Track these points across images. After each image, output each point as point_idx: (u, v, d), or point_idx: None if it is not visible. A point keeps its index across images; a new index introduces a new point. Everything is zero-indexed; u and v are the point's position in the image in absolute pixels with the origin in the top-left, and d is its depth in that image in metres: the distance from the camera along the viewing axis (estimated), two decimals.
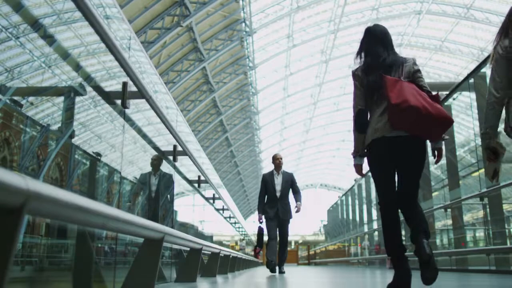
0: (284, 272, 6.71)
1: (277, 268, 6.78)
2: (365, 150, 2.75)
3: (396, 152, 2.66)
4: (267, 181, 6.82)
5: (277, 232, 6.77)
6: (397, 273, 2.60)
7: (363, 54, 2.87)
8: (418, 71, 2.77)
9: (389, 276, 5.44)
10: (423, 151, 2.73)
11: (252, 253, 29.78)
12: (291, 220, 6.89)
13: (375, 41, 2.85)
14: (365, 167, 2.88)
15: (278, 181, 6.79)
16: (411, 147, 2.66)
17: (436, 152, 2.75)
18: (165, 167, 4.19)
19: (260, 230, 7.29)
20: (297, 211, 6.81)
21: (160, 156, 3.99)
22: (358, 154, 2.79)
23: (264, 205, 6.80)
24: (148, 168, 3.98)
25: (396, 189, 2.73)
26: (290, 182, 6.82)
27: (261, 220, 6.87)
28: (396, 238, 2.69)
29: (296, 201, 6.84)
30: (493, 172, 2.72)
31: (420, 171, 2.81)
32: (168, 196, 4.38)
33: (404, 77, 2.69)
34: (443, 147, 2.79)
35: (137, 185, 3.64)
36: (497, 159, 2.63)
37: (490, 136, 2.59)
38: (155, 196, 3.94)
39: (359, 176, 2.86)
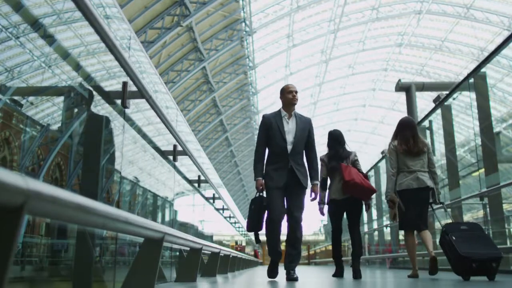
0: (296, 279, 3.97)
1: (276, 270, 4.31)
2: (327, 202, 4.86)
3: (345, 206, 4.78)
4: (270, 126, 4.12)
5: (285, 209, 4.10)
6: (337, 268, 4.99)
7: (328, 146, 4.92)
8: (357, 160, 4.85)
9: (389, 275, 5.47)
10: (360, 206, 4.84)
11: (252, 253, 29.78)
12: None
13: (335, 142, 4.91)
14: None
15: (290, 127, 4.13)
16: (354, 204, 4.77)
17: (366, 205, 4.86)
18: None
19: (259, 201, 4.13)
20: (313, 199, 4.25)
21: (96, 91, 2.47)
22: (322, 202, 4.82)
23: (264, 164, 4.17)
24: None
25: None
26: (307, 133, 4.19)
27: (261, 187, 4.09)
28: (339, 250, 5.05)
29: (312, 178, 4.16)
30: (393, 215, 4.78)
31: (359, 217, 4.92)
32: (111, 155, 2.73)
33: (350, 163, 4.75)
34: (370, 202, 4.97)
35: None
36: (394, 206, 4.67)
37: (390, 193, 4.66)
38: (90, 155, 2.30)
39: None
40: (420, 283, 3.75)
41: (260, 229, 4.17)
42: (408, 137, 4.59)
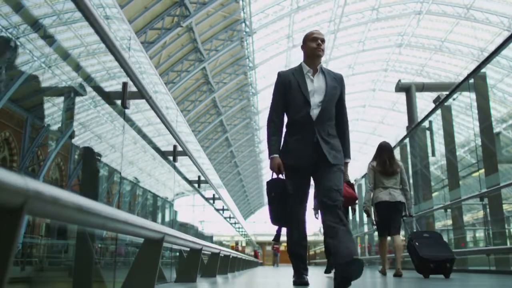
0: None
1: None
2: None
3: None
4: (289, 86, 3.13)
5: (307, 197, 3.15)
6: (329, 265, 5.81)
7: None
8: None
9: (390, 276, 5.46)
10: (346, 211, 5.72)
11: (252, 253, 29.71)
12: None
13: None
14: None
15: (315, 85, 3.10)
16: None
17: (352, 209, 6.07)
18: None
19: (281, 186, 3.03)
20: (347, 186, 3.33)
21: None
22: (315, 208, 5.52)
23: (280, 137, 3.15)
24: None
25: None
26: (339, 93, 3.17)
27: (278, 167, 3.03)
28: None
29: (346, 155, 3.13)
30: (372, 222, 5.80)
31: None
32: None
33: None
34: (355, 206, 6.02)
35: None
36: (369, 217, 5.65)
37: (366, 205, 5.55)
38: None
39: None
40: (388, 280, 4.42)
41: (288, 222, 3.09)
42: (384, 160, 5.45)
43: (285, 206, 3.03)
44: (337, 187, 2.94)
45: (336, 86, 3.14)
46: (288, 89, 3.12)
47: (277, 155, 3.08)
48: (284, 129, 3.18)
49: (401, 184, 5.43)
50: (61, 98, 2.12)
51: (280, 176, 3.06)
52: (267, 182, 3.13)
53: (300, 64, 3.26)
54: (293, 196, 3.03)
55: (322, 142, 2.99)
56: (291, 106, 3.11)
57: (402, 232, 6.13)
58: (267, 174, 44.32)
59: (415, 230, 5.75)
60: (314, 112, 3.02)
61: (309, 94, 3.06)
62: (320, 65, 3.19)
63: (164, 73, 20.13)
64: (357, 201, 5.79)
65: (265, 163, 42.04)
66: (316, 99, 3.05)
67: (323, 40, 3.18)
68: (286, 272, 8.18)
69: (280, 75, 3.23)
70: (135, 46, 2.96)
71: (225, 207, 9.73)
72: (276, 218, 3.07)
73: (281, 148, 3.13)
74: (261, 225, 47.68)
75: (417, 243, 5.01)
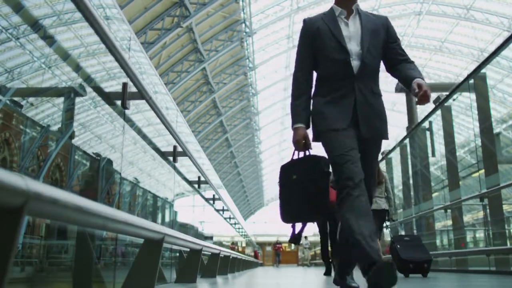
0: None
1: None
2: None
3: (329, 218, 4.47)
4: (318, 33, 2.41)
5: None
6: (326, 268, 5.91)
7: None
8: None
9: None
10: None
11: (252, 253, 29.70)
12: None
13: None
14: None
15: (351, 29, 2.39)
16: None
17: None
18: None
19: (313, 162, 2.39)
20: (422, 100, 2.18)
21: None
22: None
23: (308, 101, 2.44)
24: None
25: None
26: (383, 36, 2.41)
27: (303, 141, 2.35)
28: (326, 254, 6.38)
29: (414, 76, 2.28)
30: None
31: None
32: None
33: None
34: None
35: None
36: None
37: None
38: None
39: None
40: None
41: (324, 209, 2.33)
42: None
43: (320, 192, 2.28)
44: (372, 178, 2.36)
45: (377, 30, 2.39)
46: (317, 37, 2.40)
47: (302, 125, 2.36)
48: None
49: (385, 192, 5.92)
50: (61, 99, 2.12)
51: (307, 152, 2.40)
52: (282, 166, 2.46)
53: (331, 8, 2.50)
54: (335, 161, 2.24)
55: (362, 104, 2.28)
56: (322, 58, 2.40)
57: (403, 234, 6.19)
58: (267, 175, 44.33)
59: (399, 234, 6.36)
60: (355, 63, 2.31)
61: (345, 41, 2.34)
62: (357, 5, 2.45)
63: (164, 74, 20.13)
64: None
65: (265, 163, 42.04)
66: (354, 46, 2.34)
67: None
68: (287, 273, 8.19)
69: (306, 21, 2.51)
70: (135, 47, 2.96)
71: (225, 208, 9.73)
72: (290, 212, 2.36)
73: (311, 111, 2.43)
74: (261, 226, 47.69)
75: (398, 246, 5.64)
